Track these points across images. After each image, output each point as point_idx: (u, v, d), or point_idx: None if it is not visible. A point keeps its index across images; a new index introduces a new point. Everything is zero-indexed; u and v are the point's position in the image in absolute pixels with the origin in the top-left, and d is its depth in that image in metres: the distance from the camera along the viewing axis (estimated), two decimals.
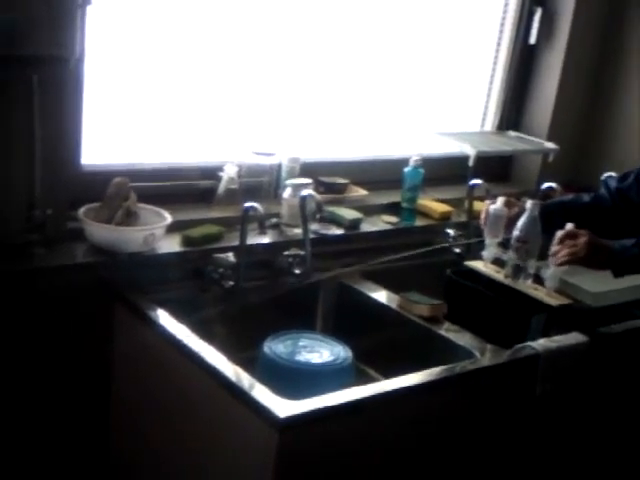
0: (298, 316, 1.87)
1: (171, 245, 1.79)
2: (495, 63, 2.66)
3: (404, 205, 2.30)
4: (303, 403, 1.34)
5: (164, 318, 1.61)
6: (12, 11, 1.42)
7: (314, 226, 2.00)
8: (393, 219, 2.22)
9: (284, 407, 1.32)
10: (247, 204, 1.76)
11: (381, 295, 1.91)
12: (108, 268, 1.68)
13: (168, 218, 1.78)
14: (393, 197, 2.32)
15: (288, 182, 2.02)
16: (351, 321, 1.89)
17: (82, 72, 1.67)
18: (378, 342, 1.84)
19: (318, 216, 1.97)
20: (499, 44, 2.63)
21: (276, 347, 1.65)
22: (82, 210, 1.70)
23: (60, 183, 1.67)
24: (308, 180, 2.02)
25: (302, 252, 1.89)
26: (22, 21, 1.44)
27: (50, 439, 1.73)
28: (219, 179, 1.99)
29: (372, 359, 1.82)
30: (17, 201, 1.59)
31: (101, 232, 1.68)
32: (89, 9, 1.56)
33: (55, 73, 1.57)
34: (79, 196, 1.73)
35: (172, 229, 1.79)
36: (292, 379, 1.56)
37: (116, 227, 1.69)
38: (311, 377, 1.59)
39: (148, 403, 1.69)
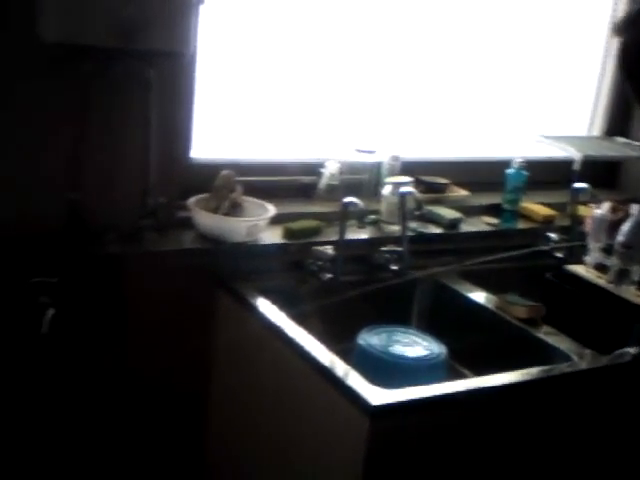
0: (393, 311, 1.89)
1: (273, 237, 1.85)
2: (604, 66, 2.59)
3: (505, 207, 2.28)
4: (396, 392, 1.36)
5: (265, 306, 1.67)
6: (131, 8, 1.52)
7: (413, 224, 2.01)
8: (494, 220, 2.21)
9: (377, 395, 1.35)
10: (347, 199, 1.80)
11: (478, 295, 1.90)
12: (213, 256, 1.76)
13: (271, 210, 1.84)
14: (494, 199, 2.30)
15: (388, 180, 2.04)
16: (446, 319, 1.90)
17: (194, 68, 1.75)
18: (472, 342, 1.83)
19: (417, 213, 1.99)
20: (608, 46, 2.57)
21: (371, 339, 1.68)
22: (191, 200, 1.79)
23: (172, 174, 1.76)
24: (408, 178, 2.04)
25: (399, 249, 1.91)
26: (140, 17, 1.53)
27: (149, 420, 1.83)
28: (320, 175, 2.05)
29: (466, 358, 1.82)
30: (133, 189, 1.69)
31: (208, 221, 1.76)
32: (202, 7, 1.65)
33: (170, 68, 1.66)
34: (189, 187, 1.82)
35: (274, 222, 1.86)
36: (385, 371, 1.59)
37: (222, 217, 1.77)
38: (404, 370, 1.61)
39: (246, 388, 1.75)
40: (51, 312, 1.52)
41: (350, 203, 1.79)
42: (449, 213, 2.12)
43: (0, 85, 1.53)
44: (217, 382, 1.86)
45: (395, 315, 1.88)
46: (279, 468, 1.65)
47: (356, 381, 1.39)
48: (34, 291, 1.54)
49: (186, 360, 1.81)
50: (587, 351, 1.65)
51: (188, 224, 1.79)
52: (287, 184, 2.06)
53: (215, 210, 1.79)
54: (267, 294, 1.72)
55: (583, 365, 1.60)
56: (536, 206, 2.30)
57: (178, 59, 1.64)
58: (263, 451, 1.72)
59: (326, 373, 1.44)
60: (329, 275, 1.85)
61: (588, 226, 1.92)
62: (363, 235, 1.94)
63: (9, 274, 1.55)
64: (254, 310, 1.67)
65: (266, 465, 1.70)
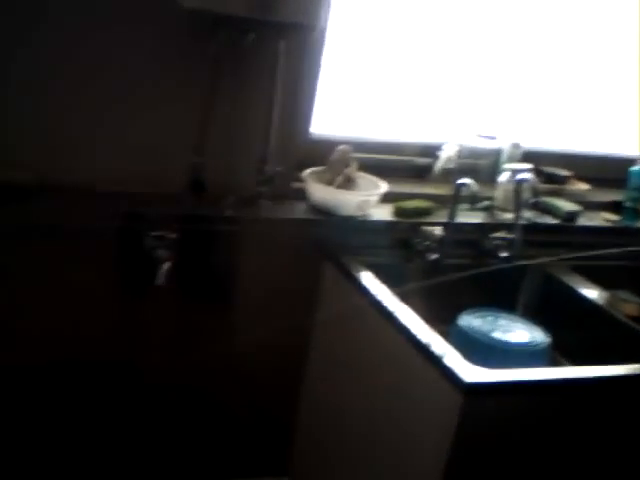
0: (498, 298, 1.87)
1: (383, 214, 1.88)
2: None
3: (627, 204, 2.20)
4: (492, 372, 1.36)
5: (370, 280, 1.69)
6: None
7: (527, 213, 1.98)
8: (614, 217, 2.14)
9: (473, 373, 1.35)
10: (460, 180, 1.79)
11: (589, 290, 1.85)
12: (323, 228, 1.81)
13: (384, 187, 1.86)
14: (616, 196, 2.23)
15: (507, 166, 2.02)
16: (553, 311, 1.86)
17: (323, 42, 1.80)
18: (579, 335, 1.79)
19: (533, 201, 1.95)
20: None
21: (472, 321, 1.68)
22: (307, 172, 1.84)
23: (290, 145, 1.82)
24: (528, 166, 2.00)
25: (511, 236, 1.89)
26: None
27: (246, 378, 1.91)
28: (436, 158, 2.05)
29: (569, 351, 1.78)
30: (253, 157, 1.75)
31: (321, 193, 1.81)
32: None
33: (300, 41, 1.71)
34: (305, 160, 1.87)
35: (385, 199, 1.88)
36: (485, 354, 1.57)
37: (335, 190, 1.81)
38: (504, 355, 1.60)
39: (343, 358, 1.79)
40: (167, 266, 1.61)
41: (463, 185, 1.78)
42: (567, 205, 2.07)
43: (138, 50, 1.63)
44: (315, 349, 1.91)
45: (500, 301, 1.86)
46: (368, 440, 1.68)
47: (454, 358, 1.39)
48: (153, 244, 1.64)
49: (287, 326, 1.87)
50: None
51: (301, 195, 1.85)
52: (402, 164, 2.07)
53: (329, 183, 1.83)
54: (372, 269, 1.74)
55: None
56: None
57: (308, 33, 1.69)
58: (353, 423, 1.75)
59: (424, 349, 1.45)
60: (435, 256, 1.85)
61: None
62: (474, 219, 1.93)
63: (133, 226, 1.66)
64: (358, 284, 1.70)
65: (355, 437, 1.74)
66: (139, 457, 1.96)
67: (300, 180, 1.85)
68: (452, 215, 1.83)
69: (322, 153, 1.88)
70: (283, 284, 1.83)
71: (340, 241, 1.81)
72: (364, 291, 1.68)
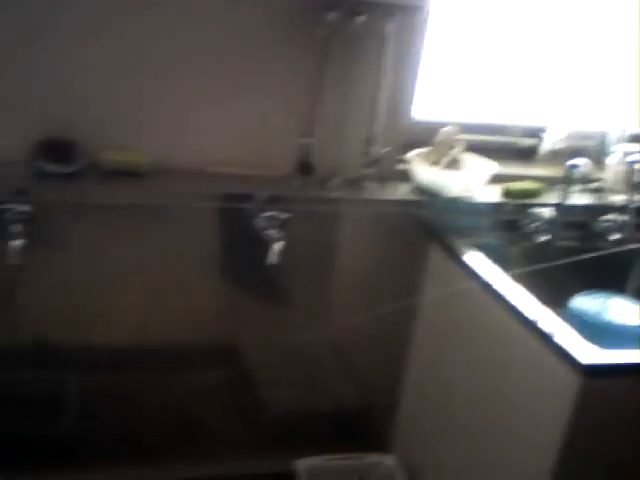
0: (609, 281, 1.83)
1: (490, 195, 1.86)
2: None
3: None
4: (611, 353, 1.33)
5: (478, 261, 1.68)
6: None
7: (638, 195, 1.93)
8: None
9: (592, 353, 1.33)
10: (572, 161, 1.76)
11: None
12: (428, 208, 1.80)
13: (491, 168, 1.84)
14: None
15: (617, 147, 1.96)
16: None
17: (427, 24, 1.79)
18: None
19: None
20: None
21: (586, 303, 1.65)
22: (412, 153, 1.84)
23: (395, 127, 1.82)
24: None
25: (622, 218, 1.84)
26: None
27: (348, 357, 1.93)
28: (540, 139, 2.02)
29: None
30: (358, 138, 1.77)
31: (426, 174, 1.80)
32: None
33: (407, 23, 1.71)
34: (409, 141, 1.87)
35: (491, 181, 1.86)
36: (599, 337, 1.54)
37: (441, 170, 1.80)
38: (618, 337, 1.56)
39: (449, 339, 1.79)
40: (279, 245, 1.64)
41: (574, 166, 1.75)
42: None
43: (249, 32, 1.67)
44: (419, 330, 1.91)
45: (609, 284, 1.82)
46: (475, 421, 1.67)
47: (571, 339, 1.37)
48: (264, 224, 1.68)
49: (391, 307, 1.88)
50: None
51: (406, 177, 1.85)
52: (506, 145, 2.05)
53: (434, 164, 1.83)
54: (479, 250, 1.73)
55: None
56: None
57: (415, 14, 1.69)
58: (458, 403, 1.75)
59: (539, 330, 1.44)
60: (544, 238, 1.82)
61: None
62: (584, 201, 1.89)
63: (244, 208, 1.70)
64: (466, 265, 1.69)
65: (460, 417, 1.74)
66: (245, 434, 2.02)
67: (404, 162, 1.85)
68: (564, 196, 1.79)
69: (425, 135, 1.87)
70: (388, 265, 1.84)
71: (446, 222, 1.80)
72: (472, 272, 1.67)
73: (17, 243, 1.51)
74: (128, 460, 1.93)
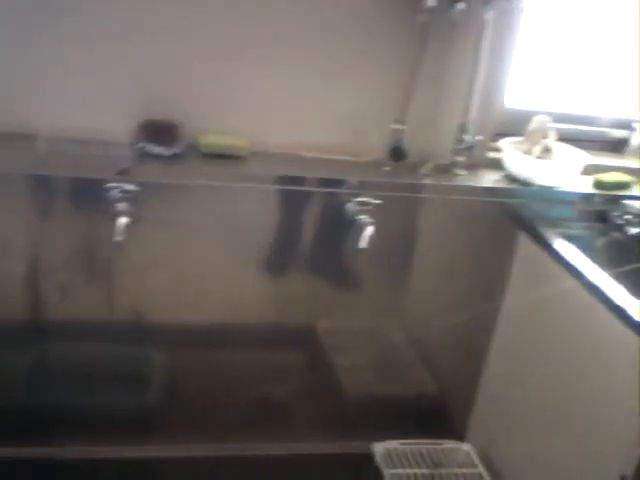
0: None
1: (580, 185, 1.85)
2: None
3: None
4: None
5: (569, 251, 1.68)
6: None
7: None
8: None
9: None
10: None
11: None
12: (519, 197, 1.80)
13: (583, 159, 1.83)
14: None
15: None
16: None
17: (523, 12, 1.78)
18: None
19: None
20: None
21: None
22: (504, 141, 1.84)
23: (489, 114, 1.82)
24: None
25: None
26: None
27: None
28: (633, 130, 1.99)
29: None
30: (452, 125, 1.78)
31: (518, 162, 1.80)
32: None
33: (505, 12, 1.71)
34: (500, 130, 1.88)
35: (581, 171, 1.84)
36: None
37: (533, 159, 1.80)
38: None
39: (535, 327, 1.79)
40: (370, 230, 1.66)
41: None
42: None
43: (348, 17, 1.69)
44: (503, 319, 1.92)
45: None
46: (561, 415, 1.67)
47: None
48: (356, 209, 1.70)
49: (477, 295, 1.90)
50: None
51: (497, 165, 1.85)
52: (596, 136, 2.03)
53: (526, 153, 1.82)
54: (569, 241, 1.72)
55: None
56: None
57: (512, 2, 1.68)
58: (541, 396, 1.75)
59: (630, 320, 1.43)
60: (635, 230, 1.80)
61: None
62: None
63: (336, 193, 1.73)
64: (556, 254, 1.69)
65: (544, 409, 1.74)
66: (323, 416, 2.06)
67: (495, 150, 1.85)
68: None
69: (517, 124, 1.87)
70: (475, 253, 1.86)
71: (536, 212, 1.80)
72: (563, 261, 1.67)
73: (122, 221, 1.57)
74: (210, 435, 1.99)
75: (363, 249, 1.67)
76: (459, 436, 2.08)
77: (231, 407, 1.98)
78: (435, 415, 2.09)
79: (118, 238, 1.56)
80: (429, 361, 2.04)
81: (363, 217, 1.68)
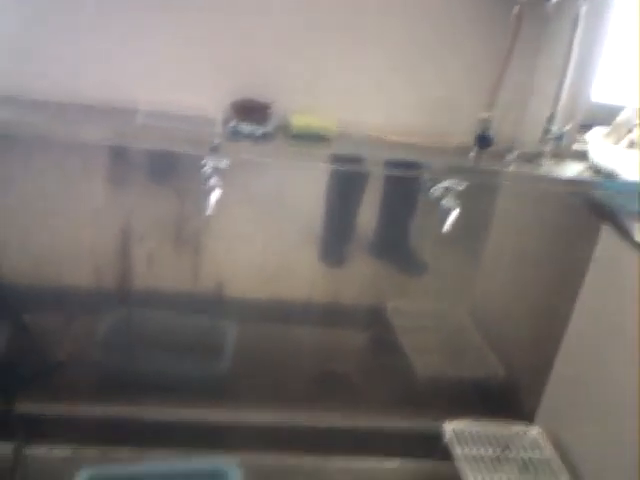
0: None
1: None
2: None
3: None
4: None
5: None
6: None
7: None
8: None
9: None
10: None
11: None
12: (604, 189, 1.80)
13: None
14: None
15: None
16: None
17: (614, 7, 1.77)
18: None
19: None
20: None
21: None
22: (590, 132, 1.84)
23: (576, 106, 1.81)
24: None
25: None
26: None
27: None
28: None
29: None
30: (539, 115, 1.78)
31: (605, 153, 1.80)
32: None
33: (597, 5, 1.70)
34: (586, 123, 1.87)
35: None
36: None
37: (621, 149, 1.79)
38: None
39: (612, 319, 1.79)
40: (454, 215, 1.69)
41: None
42: None
43: (443, 1, 1.70)
44: (580, 310, 1.93)
45: None
46: (633, 403, 1.69)
47: None
48: (441, 194, 1.73)
49: (554, 285, 1.91)
50: None
51: (582, 157, 1.85)
52: None
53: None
54: None
55: None
56: None
57: None
58: (613, 386, 1.76)
59: None
60: None
61: None
62: None
63: (419, 177, 1.75)
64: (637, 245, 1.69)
65: (616, 400, 1.76)
66: (391, 394, 2.11)
67: (581, 142, 1.85)
68: None
69: (603, 118, 1.87)
70: (555, 241, 1.87)
71: (620, 205, 1.80)
72: None
73: (215, 195, 1.63)
74: (280, 404, 2.06)
75: (445, 233, 1.70)
76: (528, 419, 2.11)
77: (301, 380, 2.05)
78: (504, 398, 2.13)
79: (209, 212, 1.62)
80: (499, 345, 2.07)
81: (447, 201, 1.71)
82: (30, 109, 1.64)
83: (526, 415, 2.11)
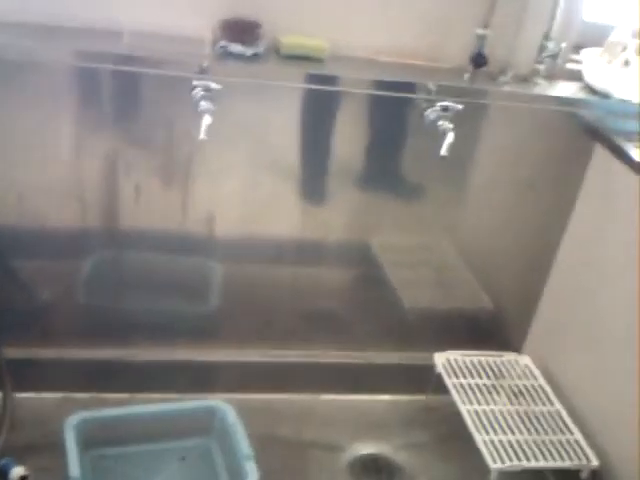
0: None
1: None
2: None
3: None
4: None
5: None
6: None
7: None
8: None
9: None
10: None
11: None
12: (597, 109, 1.79)
13: None
14: None
15: None
16: None
17: None
18: None
19: None
20: None
21: None
22: (584, 51, 1.82)
23: (571, 24, 1.79)
24: None
25: None
26: None
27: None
28: None
29: None
30: (535, 33, 1.75)
31: (599, 73, 1.78)
32: None
33: None
34: (578, 43, 1.85)
35: None
36: None
37: (615, 68, 1.77)
38: None
39: (606, 240, 1.79)
40: (451, 137, 1.65)
41: None
42: None
43: None
44: (571, 233, 1.93)
45: None
46: (624, 331, 1.70)
47: None
48: (437, 116, 1.69)
49: (546, 206, 1.91)
50: None
51: (575, 77, 1.83)
52: None
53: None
54: None
55: None
56: None
57: None
58: (603, 313, 1.78)
59: None
60: None
61: None
62: None
63: (414, 99, 1.71)
64: (633, 163, 1.68)
65: (607, 328, 1.77)
66: (381, 328, 2.09)
67: (574, 62, 1.83)
68: None
69: (595, 37, 1.84)
70: (547, 164, 1.85)
71: (613, 125, 1.79)
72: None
73: (208, 119, 1.55)
74: (270, 342, 2.03)
75: (433, 160, 1.67)
76: (517, 349, 2.12)
77: (290, 318, 2.01)
78: (493, 328, 2.12)
79: (203, 137, 1.55)
80: (487, 276, 2.06)
81: (444, 123, 1.67)
82: (9, 32, 1.55)
83: (515, 346, 2.12)
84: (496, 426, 1.82)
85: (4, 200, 1.68)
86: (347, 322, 2.06)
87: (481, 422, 1.83)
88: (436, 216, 1.92)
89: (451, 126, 1.65)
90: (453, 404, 1.90)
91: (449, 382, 1.95)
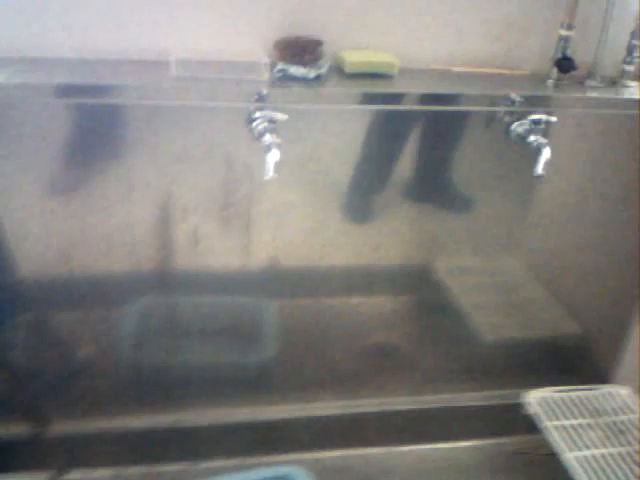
0: None
1: None
2: None
3: None
4: None
5: None
6: None
7: None
8: None
9: None
10: None
11: None
12: None
13: None
14: None
15: None
16: None
17: None
18: None
19: None
20: None
21: None
22: None
23: None
24: None
25: None
26: None
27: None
28: None
29: None
30: (622, 30, 1.56)
31: None
32: None
33: None
34: None
35: None
36: None
37: None
38: None
39: None
40: (547, 153, 1.45)
41: None
42: None
43: None
44: None
45: None
46: None
47: None
48: (527, 130, 1.49)
49: (625, 223, 1.72)
50: None
51: None
52: None
53: None
54: None
55: None
56: None
57: None
58: None
59: None
60: None
61: None
62: None
63: (495, 110, 1.52)
64: None
65: None
66: (456, 364, 1.88)
67: None
68: None
69: None
70: (628, 176, 1.66)
71: None
72: None
73: (272, 156, 1.35)
74: (335, 391, 1.82)
75: (540, 176, 1.47)
76: (607, 380, 1.92)
77: (352, 360, 1.80)
78: (580, 357, 1.92)
79: (272, 174, 1.34)
80: (566, 297, 1.86)
81: (537, 138, 1.47)
82: (48, 69, 1.34)
83: (605, 376, 1.92)
84: (611, 475, 1.62)
85: (47, 251, 1.46)
86: (417, 360, 1.85)
87: (593, 470, 1.62)
88: (501, 234, 1.73)
89: (545, 141, 1.46)
90: (546, 446, 1.69)
91: (549, 425, 1.74)
